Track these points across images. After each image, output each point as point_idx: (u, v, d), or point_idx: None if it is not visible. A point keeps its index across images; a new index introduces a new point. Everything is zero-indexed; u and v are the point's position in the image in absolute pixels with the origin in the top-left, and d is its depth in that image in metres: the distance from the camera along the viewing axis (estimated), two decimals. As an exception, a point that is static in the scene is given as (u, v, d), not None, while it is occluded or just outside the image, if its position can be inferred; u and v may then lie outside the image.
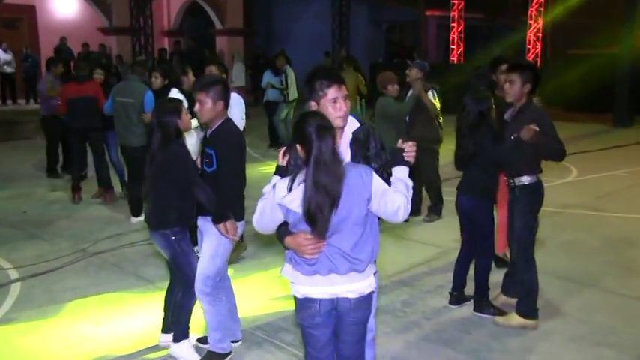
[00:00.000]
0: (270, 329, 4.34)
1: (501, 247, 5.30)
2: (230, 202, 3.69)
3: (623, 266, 5.54)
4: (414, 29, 21.73)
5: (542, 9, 16.42)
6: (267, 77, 11.16)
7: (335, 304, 2.74)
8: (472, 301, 4.61)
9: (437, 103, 6.46)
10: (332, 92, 2.80)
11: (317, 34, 20.69)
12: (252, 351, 4.06)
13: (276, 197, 2.67)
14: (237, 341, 4.06)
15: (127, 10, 17.09)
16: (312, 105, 2.84)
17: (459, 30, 18.19)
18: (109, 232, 6.53)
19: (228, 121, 3.76)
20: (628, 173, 9.05)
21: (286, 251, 2.81)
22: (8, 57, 15.83)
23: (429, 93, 6.41)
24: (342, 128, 2.87)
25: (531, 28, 16.52)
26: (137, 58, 14.59)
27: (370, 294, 2.78)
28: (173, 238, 3.78)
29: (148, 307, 4.67)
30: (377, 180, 2.67)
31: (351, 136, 2.91)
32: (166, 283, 4.13)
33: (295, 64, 11.55)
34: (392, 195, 2.66)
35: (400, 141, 2.81)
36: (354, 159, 2.86)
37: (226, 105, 3.71)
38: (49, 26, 18.09)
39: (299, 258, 2.72)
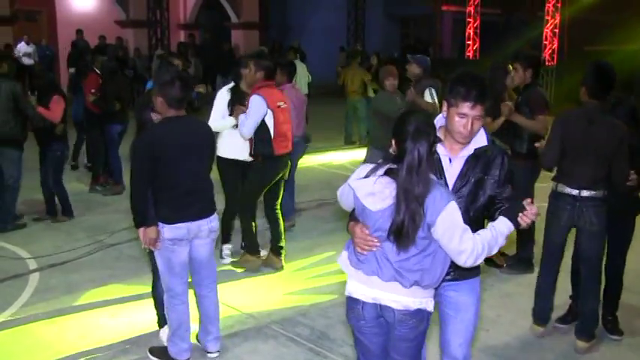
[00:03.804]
0: (286, 323, 4.31)
1: None
2: (136, 206, 3.57)
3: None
4: (430, 24, 21.57)
5: (559, 4, 16.21)
6: None
7: (379, 311, 2.61)
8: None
9: (436, 102, 5.99)
10: (463, 108, 2.59)
11: (332, 28, 20.63)
12: (268, 344, 4.04)
13: (351, 177, 2.61)
14: (209, 352, 3.89)
15: (144, 3, 17.15)
16: (444, 105, 2.69)
17: (475, 25, 18.02)
18: (126, 223, 6.51)
19: (156, 124, 3.68)
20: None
21: (349, 239, 2.70)
22: (30, 49, 15.89)
23: (426, 93, 5.98)
24: (465, 144, 2.68)
25: (548, 24, 16.31)
26: (156, 52, 14.61)
27: (419, 311, 2.58)
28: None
29: (164, 299, 4.66)
30: (450, 210, 2.45)
31: (472, 151, 2.68)
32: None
33: (310, 57, 11.48)
34: (465, 235, 2.46)
35: (529, 200, 2.59)
36: (463, 176, 2.67)
37: (167, 106, 3.57)
38: (67, 19, 18.16)
39: (353, 248, 2.63)
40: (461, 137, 2.64)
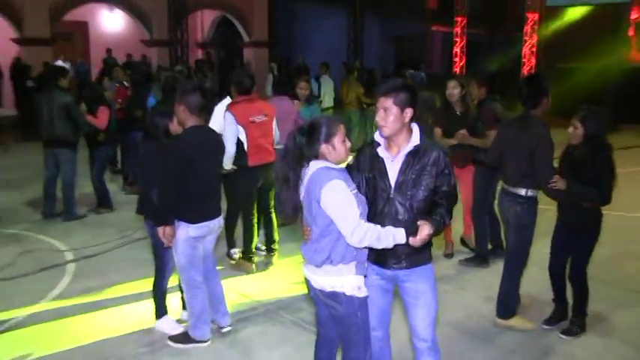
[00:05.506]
0: (291, 309, 4.38)
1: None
2: (159, 206, 3.54)
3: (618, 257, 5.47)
4: (421, 42, 21.63)
5: (536, 26, 16.30)
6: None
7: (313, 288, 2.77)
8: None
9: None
10: (377, 102, 2.74)
11: (334, 45, 20.64)
12: (275, 327, 4.11)
13: None
14: (222, 327, 3.98)
15: (166, 24, 17.27)
16: None
17: (462, 44, 18.11)
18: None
19: (186, 130, 3.61)
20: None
21: None
22: (66, 66, 15.98)
23: None
24: (391, 138, 2.73)
25: (526, 44, 16.41)
26: (175, 68, 14.69)
27: (334, 294, 2.66)
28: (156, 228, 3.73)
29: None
30: (331, 186, 2.54)
31: (411, 148, 2.74)
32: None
33: (313, 72, 11.51)
34: (350, 216, 2.53)
35: (421, 221, 2.65)
36: (402, 172, 2.72)
37: (189, 113, 3.57)
38: (99, 39, 18.34)
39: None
40: (380, 128, 2.73)
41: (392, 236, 2.60)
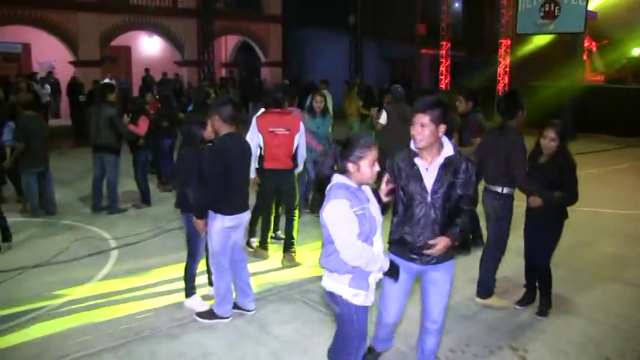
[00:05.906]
0: (301, 291, 4.34)
1: None
2: (201, 202, 3.52)
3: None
4: (412, 63, 21.59)
5: (509, 50, 16.27)
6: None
7: None
8: None
9: (384, 122, 6.07)
10: (413, 117, 2.61)
11: (337, 65, 20.61)
12: (287, 306, 4.08)
13: None
14: (249, 311, 3.89)
15: (196, 47, 17.30)
16: None
17: (446, 64, 18.02)
18: (179, 214, 6.57)
19: (221, 137, 3.54)
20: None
21: None
22: (113, 83, 16.02)
23: (383, 113, 6.20)
24: (425, 149, 2.63)
25: (500, 65, 16.31)
26: (202, 84, 14.70)
27: (331, 294, 2.49)
28: (193, 220, 3.66)
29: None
30: (331, 206, 2.35)
31: (443, 160, 2.64)
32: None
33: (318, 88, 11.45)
34: (344, 236, 2.34)
35: (434, 240, 2.61)
36: (438, 181, 2.63)
37: (222, 122, 3.52)
38: (139, 60, 18.38)
39: None
40: (415, 141, 2.63)
41: (379, 263, 2.45)
